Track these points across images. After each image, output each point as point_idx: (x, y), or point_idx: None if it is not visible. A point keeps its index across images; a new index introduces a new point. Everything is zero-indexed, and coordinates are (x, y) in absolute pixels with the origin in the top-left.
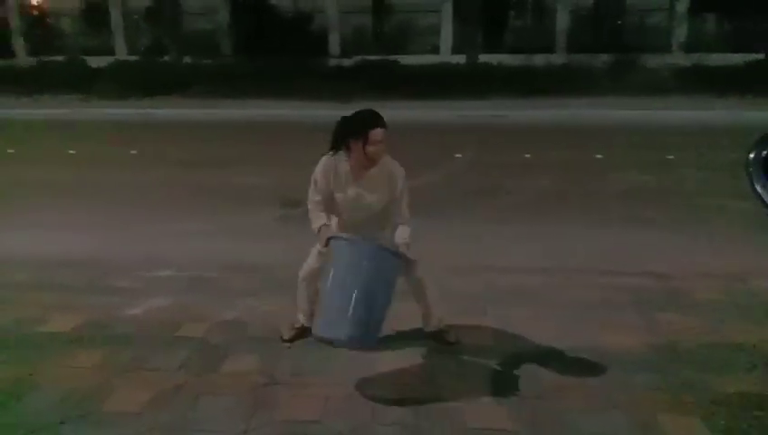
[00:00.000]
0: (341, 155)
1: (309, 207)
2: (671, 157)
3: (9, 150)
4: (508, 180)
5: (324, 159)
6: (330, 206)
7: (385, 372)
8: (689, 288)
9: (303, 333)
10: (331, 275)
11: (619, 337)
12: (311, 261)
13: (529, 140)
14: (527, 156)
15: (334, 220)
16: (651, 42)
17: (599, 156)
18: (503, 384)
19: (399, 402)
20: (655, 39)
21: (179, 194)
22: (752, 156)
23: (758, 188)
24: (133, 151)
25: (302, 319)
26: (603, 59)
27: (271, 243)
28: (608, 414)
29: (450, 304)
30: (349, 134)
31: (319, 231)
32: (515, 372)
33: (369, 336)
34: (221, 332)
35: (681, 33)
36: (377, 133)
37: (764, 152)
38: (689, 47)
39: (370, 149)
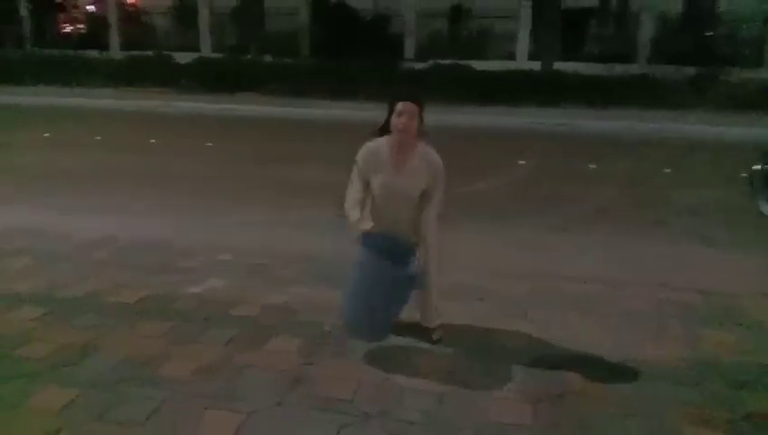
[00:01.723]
0: (385, 140)
1: (347, 193)
2: (745, 175)
3: (97, 137)
4: (572, 190)
5: (368, 143)
6: (366, 194)
7: (416, 364)
8: (741, 307)
9: None
10: (355, 277)
11: (660, 350)
12: None
13: (595, 150)
14: (592, 166)
15: (368, 211)
16: (741, 55)
17: (667, 170)
18: (529, 384)
19: (426, 392)
20: (745, 52)
21: (248, 186)
22: (754, 167)
23: (760, 202)
24: (209, 144)
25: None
26: (687, 71)
27: (325, 237)
28: (630, 421)
29: (494, 305)
30: (388, 114)
31: (352, 225)
32: (545, 373)
33: (381, 333)
34: (270, 314)
35: None
36: (401, 105)
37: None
38: None
39: (394, 120)
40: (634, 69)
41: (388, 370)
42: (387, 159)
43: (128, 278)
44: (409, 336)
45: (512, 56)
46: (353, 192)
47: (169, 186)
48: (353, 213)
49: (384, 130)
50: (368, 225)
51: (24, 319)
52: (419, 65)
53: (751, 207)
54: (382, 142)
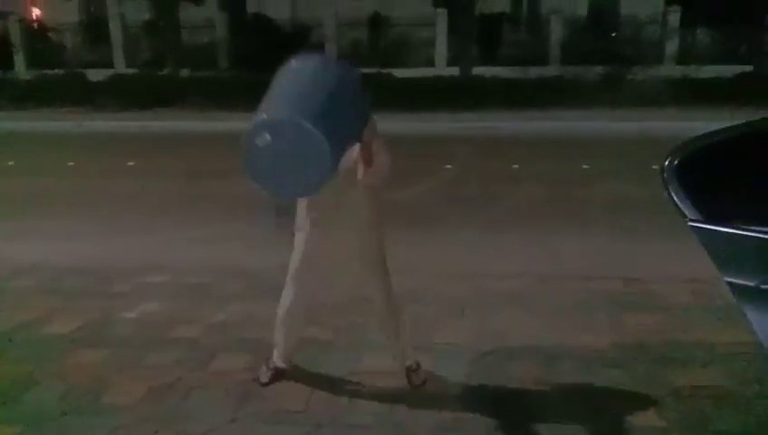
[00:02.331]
0: None
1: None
2: (656, 167)
3: (9, 162)
4: (496, 190)
5: None
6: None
7: (365, 370)
8: (660, 292)
9: (281, 375)
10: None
11: (590, 337)
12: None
13: (518, 150)
14: (515, 166)
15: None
16: (644, 54)
17: (585, 166)
18: (475, 379)
19: (377, 397)
20: (648, 51)
21: (176, 203)
22: (666, 163)
23: (672, 195)
24: (131, 163)
25: (276, 359)
26: (597, 71)
27: (263, 250)
28: (571, 405)
29: (432, 306)
30: None
31: None
32: (488, 368)
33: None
34: (211, 333)
35: (673, 45)
36: None
37: (677, 160)
38: (681, 59)
39: None
40: (548, 71)
41: (337, 377)
42: None
43: (59, 306)
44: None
45: (431, 63)
46: None
47: (93, 208)
48: None
49: None
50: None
51: None
52: None
53: (664, 198)
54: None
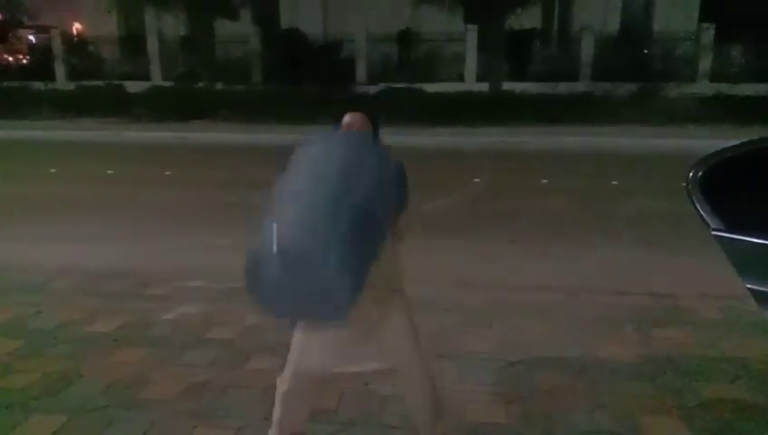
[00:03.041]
0: None
1: None
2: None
3: (51, 169)
4: (523, 204)
5: None
6: None
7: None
8: (688, 307)
9: None
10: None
11: (617, 350)
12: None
13: (547, 165)
14: (544, 181)
15: None
16: (677, 71)
17: (614, 182)
18: (500, 386)
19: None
20: (680, 68)
21: (211, 211)
22: (690, 174)
23: (696, 205)
24: (168, 172)
25: None
26: (627, 87)
27: None
28: (595, 414)
29: (457, 316)
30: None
31: None
32: (513, 375)
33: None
34: (246, 335)
35: (706, 62)
36: (348, 117)
37: (700, 172)
38: (714, 77)
39: None
40: (578, 87)
41: (367, 379)
42: None
43: (100, 307)
44: None
45: (461, 78)
46: None
47: (133, 215)
48: None
49: None
50: None
51: None
52: (372, 89)
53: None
54: None
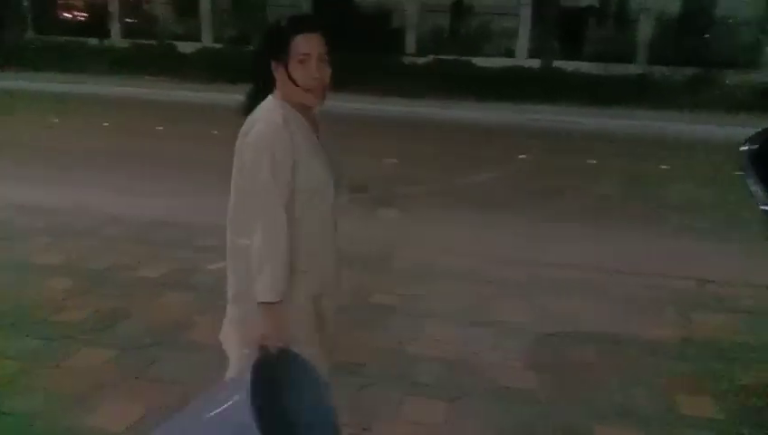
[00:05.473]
0: (281, 107)
1: (271, 229)
2: (737, 173)
3: (104, 123)
4: (568, 183)
5: (271, 117)
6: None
7: (429, 336)
8: (733, 294)
9: None
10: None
11: (657, 330)
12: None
13: (595, 146)
14: (591, 162)
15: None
16: (739, 57)
17: (664, 166)
18: (534, 355)
19: (438, 360)
20: (742, 55)
21: None
22: (742, 149)
23: (747, 179)
24: (215, 131)
25: None
26: (684, 72)
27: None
28: (630, 389)
29: (493, 287)
30: (265, 60)
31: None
32: (547, 347)
33: None
34: None
35: None
36: (305, 41)
37: (755, 146)
38: None
39: (298, 72)
40: (632, 69)
41: (401, 339)
42: (306, 139)
43: (147, 253)
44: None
45: (511, 53)
46: (278, 223)
47: (181, 169)
48: (279, 280)
49: (266, 86)
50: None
51: (54, 289)
52: (420, 60)
53: (744, 200)
54: (286, 111)
